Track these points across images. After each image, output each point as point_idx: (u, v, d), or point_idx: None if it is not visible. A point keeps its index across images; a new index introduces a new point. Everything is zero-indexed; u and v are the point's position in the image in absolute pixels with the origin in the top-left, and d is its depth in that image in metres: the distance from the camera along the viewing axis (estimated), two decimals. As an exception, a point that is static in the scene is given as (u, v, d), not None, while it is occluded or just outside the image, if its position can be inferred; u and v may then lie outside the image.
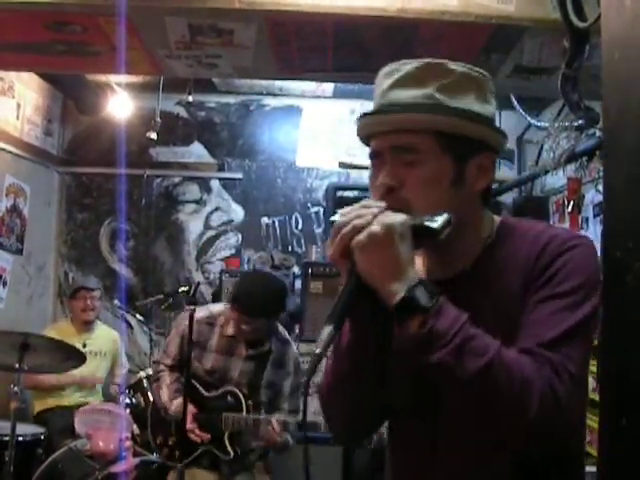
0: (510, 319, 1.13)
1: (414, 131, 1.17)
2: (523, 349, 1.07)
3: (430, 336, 1.05)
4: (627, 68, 0.98)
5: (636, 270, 0.93)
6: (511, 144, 5.31)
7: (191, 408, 2.86)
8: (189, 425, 2.85)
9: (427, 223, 1.13)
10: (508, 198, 5.31)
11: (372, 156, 1.24)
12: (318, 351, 1.05)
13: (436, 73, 1.19)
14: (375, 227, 1.08)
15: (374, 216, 1.10)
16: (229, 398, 2.94)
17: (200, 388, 2.98)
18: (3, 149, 4.61)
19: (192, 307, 2.81)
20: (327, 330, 1.06)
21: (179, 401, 2.87)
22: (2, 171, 4.65)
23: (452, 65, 1.20)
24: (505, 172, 5.27)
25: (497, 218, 1.28)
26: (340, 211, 1.15)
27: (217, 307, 3.15)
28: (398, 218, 1.10)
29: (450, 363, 1.04)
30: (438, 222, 1.13)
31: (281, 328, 3.11)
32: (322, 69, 3.25)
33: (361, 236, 1.08)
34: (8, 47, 3.13)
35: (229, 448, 2.89)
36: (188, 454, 2.88)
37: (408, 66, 1.21)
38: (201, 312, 3.03)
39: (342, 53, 3.05)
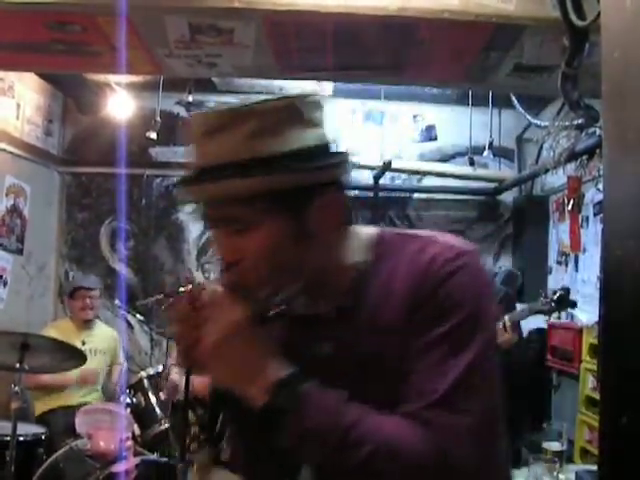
0: (395, 360, 0.99)
1: (237, 200, 0.98)
2: (410, 414, 0.95)
3: (304, 440, 0.95)
4: (627, 67, 0.97)
5: (636, 269, 0.92)
6: (511, 143, 5.32)
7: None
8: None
9: (272, 310, 1.04)
10: (508, 197, 5.32)
11: (206, 221, 1.08)
12: None
13: (249, 117, 0.97)
14: (214, 336, 0.95)
15: (203, 322, 0.96)
16: None
17: None
18: (3, 149, 4.61)
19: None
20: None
21: None
22: (2, 171, 4.64)
23: (268, 104, 1.00)
24: (505, 171, 5.27)
25: (372, 232, 1.13)
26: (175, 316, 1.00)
27: None
28: (238, 313, 0.97)
29: (332, 460, 0.94)
30: (283, 301, 1.04)
31: None
32: (322, 68, 3.24)
33: (200, 349, 0.96)
34: (7, 47, 3.13)
35: None
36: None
37: (218, 113, 1.00)
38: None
39: (342, 52, 3.04)
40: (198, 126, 1.00)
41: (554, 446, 2.44)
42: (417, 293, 0.99)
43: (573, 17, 2.08)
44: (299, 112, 1.01)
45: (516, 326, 3.24)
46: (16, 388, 3.21)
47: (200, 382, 2.72)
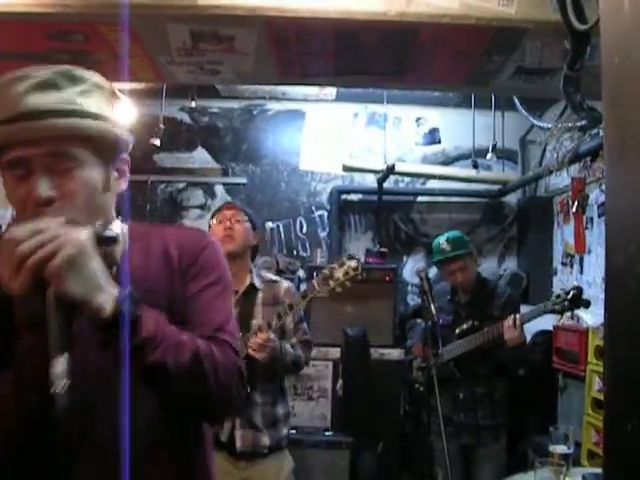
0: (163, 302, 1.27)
1: (69, 137, 1.18)
2: (204, 336, 1.25)
3: (144, 341, 1.13)
4: (626, 74, 0.98)
5: (638, 274, 0.93)
6: (514, 145, 5.32)
7: None
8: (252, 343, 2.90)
9: (108, 233, 1.18)
10: (512, 199, 5.32)
11: (10, 166, 1.18)
12: (65, 382, 1.01)
13: (72, 79, 1.24)
14: (69, 249, 1.06)
15: (57, 236, 1.06)
16: None
17: None
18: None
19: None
20: (62, 360, 1.03)
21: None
22: None
23: (84, 73, 1.29)
24: (509, 173, 5.27)
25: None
26: (10, 232, 1.06)
27: None
28: (84, 233, 1.10)
29: (164, 360, 1.14)
30: (114, 231, 1.22)
31: (265, 273, 3.12)
32: (324, 74, 3.25)
33: (57, 261, 1.04)
34: (10, 56, 3.14)
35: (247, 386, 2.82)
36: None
37: (42, 72, 1.23)
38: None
39: (343, 57, 3.05)
40: (22, 77, 1.22)
41: (560, 449, 2.43)
42: (182, 258, 1.33)
43: (574, 21, 2.08)
44: (111, 95, 1.33)
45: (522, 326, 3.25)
46: None
47: None
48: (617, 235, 1.01)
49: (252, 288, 2.94)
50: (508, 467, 3.46)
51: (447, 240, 3.50)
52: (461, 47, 2.86)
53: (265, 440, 2.86)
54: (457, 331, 3.42)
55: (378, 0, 2.64)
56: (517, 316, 3.20)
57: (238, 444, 2.83)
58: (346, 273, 2.77)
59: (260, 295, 2.95)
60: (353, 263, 2.78)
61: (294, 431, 3.74)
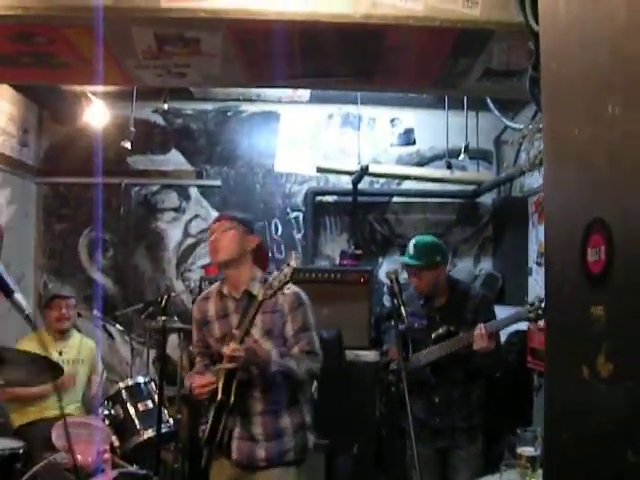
0: None
1: None
2: None
3: None
4: (562, 79, 0.97)
5: (574, 282, 0.93)
6: (489, 145, 5.34)
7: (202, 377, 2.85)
8: (196, 389, 2.81)
9: None
10: (487, 199, 5.34)
11: None
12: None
13: None
14: None
15: None
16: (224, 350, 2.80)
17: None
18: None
19: (164, 318, 2.80)
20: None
21: (194, 376, 2.90)
22: (-23, 183, 4.62)
23: None
24: (483, 173, 5.29)
25: None
26: None
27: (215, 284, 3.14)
28: None
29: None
30: None
31: (271, 279, 2.85)
32: (292, 76, 3.24)
33: None
34: (-24, 60, 3.11)
35: (232, 395, 2.74)
36: (213, 435, 2.81)
37: None
38: (203, 292, 3.11)
39: (310, 60, 3.04)
40: None
41: (528, 451, 2.43)
42: None
43: (532, 22, 2.09)
44: None
45: (495, 334, 3.24)
46: (-8, 403, 3.19)
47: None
48: (555, 246, 1.01)
49: (250, 295, 2.84)
50: (485, 470, 3.44)
51: (415, 245, 3.47)
52: (427, 49, 2.87)
53: (261, 453, 2.77)
54: (433, 336, 3.40)
55: (344, 2, 2.63)
56: (485, 325, 3.18)
57: (234, 455, 2.79)
58: (279, 280, 2.72)
59: (260, 304, 2.78)
60: (286, 270, 2.74)
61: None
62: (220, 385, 2.75)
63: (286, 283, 2.69)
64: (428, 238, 3.59)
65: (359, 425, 4.30)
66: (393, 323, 3.13)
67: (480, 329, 3.15)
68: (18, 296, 1.33)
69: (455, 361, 3.32)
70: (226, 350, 2.69)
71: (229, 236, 2.91)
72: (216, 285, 3.06)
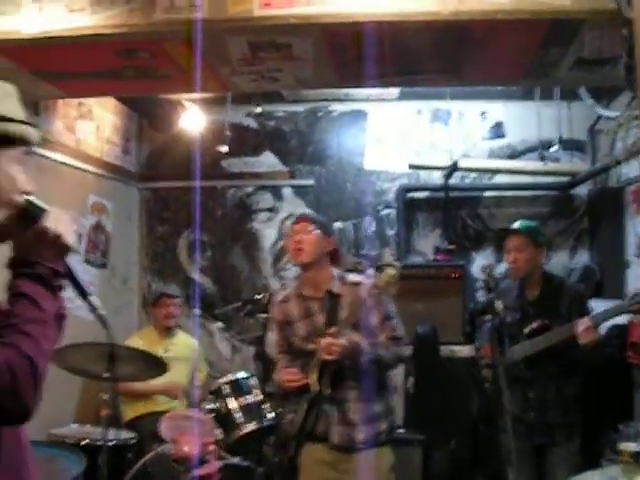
0: None
1: None
2: None
3: None
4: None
5: None
6: (582, 135, 5.19)
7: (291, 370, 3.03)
8: (286, 381, 3.00)
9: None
10: (582, 191, 5.20)
11: (18, 159, 1.37)
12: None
13: None
14: None
15: None
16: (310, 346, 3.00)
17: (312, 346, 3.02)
18: (86, 170, 4.85)
19: (264, 315, 2.91)
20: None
21: (283, 370, 3.07)
22: (86, 191, 4.90)
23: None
24: (577, 164, 5.16)
25: None
26: None
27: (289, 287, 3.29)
28: None
29: None
30: None
31: (349, 276, 3.10)
32: (381, 75, 3.29)
33: None
34: (85, 76, 3.33)
35: (328, 386, 2.93)
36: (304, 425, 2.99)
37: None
38: (279, 295, 3.23)
39: (400, 59, 3.09)
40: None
41: (631, 447, 2.39)
42: None
43: (625, 9, 2.06)
44: None
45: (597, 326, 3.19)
46: (105, 396, 3.39)
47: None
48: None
49: (331, 294, 2.99)
50: (583, 467, 3.37)
51: (520, 223, 3.54)
52: (517, 41, 2.86)
53: (360, 435, 2.95)
54: (526, 330, 3.36)
55: (431, 0, 2.67)
56: (590, 318, 3.12)
57: (335, 439, 2.97)
58: (386, 282, 2.84)
59: (342, 299, 2.98)
60: (391, 271, 2.84)
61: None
62: (315, 377, 2.92)
63: (393, 284, 2.82)
64: (532, 222, 3.65)
65: (455, 420, 4.30)
66: (488, 318, 3.15)
67: (585, 323, 3.09)
68: (93, 298, 1.48)
69: (551, 356, 3.28)
70: (322, 344, 2.85)
71: (312, 238, 3.05)
72: (291, 287, 3.22)
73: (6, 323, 1.22)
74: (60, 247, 1.36)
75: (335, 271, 3.10)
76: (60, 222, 1.36)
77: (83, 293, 1.46)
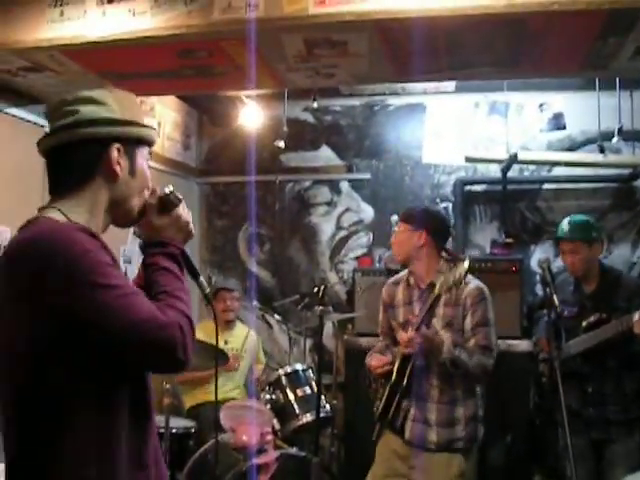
0: None
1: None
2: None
3: None
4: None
5: None
6: (646, 126, 5.06)
7: (380, 357, 3.10)
8: (373, 365, 3.07)
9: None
10: (645, 183, 5.08)
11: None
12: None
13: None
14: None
15: None
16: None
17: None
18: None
19: (321, 308, 2.97)
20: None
21: (373, 355, 3.15)
22: (148, 186, 5.04)
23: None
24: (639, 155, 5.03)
25: None
26: None
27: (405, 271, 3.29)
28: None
29: None
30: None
31: (457, 272, 2.93)
32: (437, 69, 3.30)
33: None
34: (146, 75, 3.44)
35: (405, 378, 2.95)
36: (386, 412, 3.05)
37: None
38: (394, 278, 3.28)
39: (455, 52, 3.08)
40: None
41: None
42: None
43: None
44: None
45: None
46: (167, 385, 3.51)
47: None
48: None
49: (434, 287, 2.94)
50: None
51: (569, 221, 3.48)
52: (573, 32, 2.82)
53: (433, 436, 2.93)
54: (584, 324, 3.33)
55: (485, -6, 2.66)
56: None
57: (407, 434, 2.99)
58: (454, 278, 2.82)
59: (442, 296, 2.94)
60: (461, 269, 2.82)
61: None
62: (395, 367, 2.97)
63: (461, 282, 2.81)
64: (582, 216, 3.59)
65: (512, 415, 4.27)
66: (545, 312, 3.12)
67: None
68: (201, 279, 1.70)
69: (609, 349, 3.23)
70: (402, 336, 2.88)
71: (400, 239, 3.12)
72: (406, 272, 3.23)
73: (159, 290, 1.46)
74: (187, 233, 1.62)
75: (445, 265, 3.03)
76: (187, 212, 1.62)
77: (195, 274, 1.67)
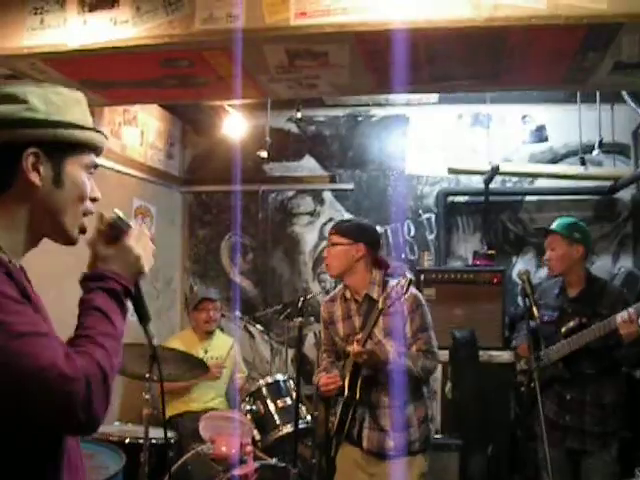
0: None
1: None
2: None
3: None
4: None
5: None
6: (626, 139, 5.12)
7: (327, 375, 3.11)
8: (322, 386, 3.06)
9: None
10: (626, 194, 5.13)
11: (87, 166, 1.40)
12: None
13: None
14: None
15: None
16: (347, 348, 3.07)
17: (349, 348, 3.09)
18: (131, 174, 4.99)
19: (300, 319, 2.97)
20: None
21: (320, 374, 3.17)
22: (130, 195, 5.02)
23: None
24: (620, 168, 5.08)
25: None
26: None
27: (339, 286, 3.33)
28: None
29: None
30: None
31: (391, 282, 3.04)
32: (418, 81, 3.30)
33: None
34: (129, 84, 3.43)
35: (357, 390, 2.99)
36: (341, 426, 3.09)
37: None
38: (329, 295, 3.34)
39: (436, 65, 3.09)
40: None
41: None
42: None
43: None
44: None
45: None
46: (147, 396, 3.48)
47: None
48: None
49: (370, 299, 3.07)
50: (620, 476, 3.31)
51: (558, 220, 3.59)
52: (553, 47, 2.84)
53: (390, 443, 2.99)
54: (563, 330, 3.34)
55: (465, 7, 2.67)
56: (633, 309, 3.07)
57: (364, 443, 3.04)
58: (397, 292, 2.86)
59: (379, 304, 2.98)
60: (403, 282, 2.87)
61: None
62: (346, 382, 3.01)
63: (404, 294, 2.85)
64: (572, 218, 3.66)
65: (493, 425, 4.28)
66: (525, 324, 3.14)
67: (628, 313, 3.05)
68: (150, 326, 1.48)
69: (590, 355, 3.23)
70: (354, 349, 2.91)
71: (335, 252, 3.14)
72: (340, 288, 3.28)
73: (80, 334, 1.22)
74: (137, 269, 1.37)
75: (378, 274, 3.13)
76: (141, 242, 1.39)
77: (144, 317, 1.46)
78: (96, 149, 1.41)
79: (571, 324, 3.31)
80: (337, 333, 3.20)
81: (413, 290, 3.07)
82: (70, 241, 1.39)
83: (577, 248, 3.43)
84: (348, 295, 3.18)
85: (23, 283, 1.26)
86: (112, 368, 1.20)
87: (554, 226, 3.54)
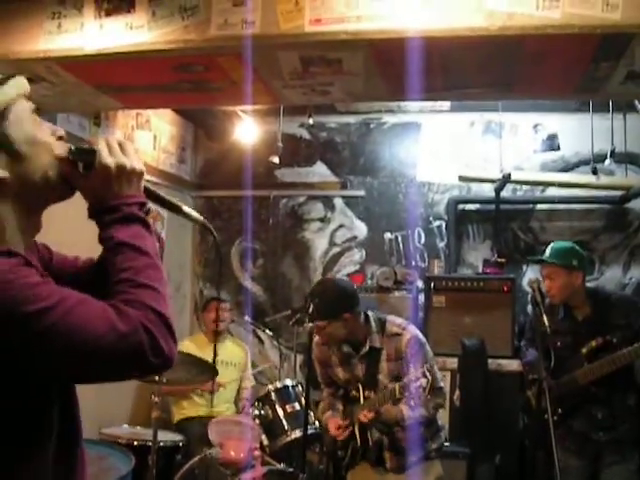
0: None
1: None
2: None
3: None
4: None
5: None
6: (638, 148, 5.10)
7: (336, 420, 3.17)
8: (333, 432, 3.14)
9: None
10: (637, 204, 5.11)
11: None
12: None
13: None
14: None
15: None
16: (353, 393, 3.15)
17: (355, 393, 3.17)
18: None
19: (310, 324, 2.97)
20: None
21: (327, 414, 3.24)
22: (142, 199, 5.04)
23: None
24: (632, 178, 5.07)
25: None
26: None
27: None
28: None
29: None
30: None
31: (389, 325, 3.11)
32: (432, 89, 3.31)
33: None
34: (143, 89, 3.45)
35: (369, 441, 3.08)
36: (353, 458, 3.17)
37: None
38: (317, 339, 3.22)
39: (450, 73, 3.10)
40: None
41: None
42: None
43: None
44: None
45: None
46: (156, 399, 3.50)
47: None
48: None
49: (373, 349, 3.09)
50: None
51: (552, 247, 3.45)
52: (567, 56, 2.84)
53: (412, 458, 3.05)
54: (584, 351, 3.26)
55: (479, 16, 2.68)
56: None
57: (387, 464, 3.09)
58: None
59: (383, 352, 3.07)
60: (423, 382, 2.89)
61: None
62: (357, 430, 3.11)
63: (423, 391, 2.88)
64: (567, 242, 3.58)
65: (502, 434, 4.27)
66: (524, 344, 3.18)
67: None
68: (186, 208, 1.38)
69: (617, 371, 3.18)
70: (361, 417, 2.99)
71: (329, 332, 3.08)
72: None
73: (120, 278, 1.16)
74: (130, 176, 1.24)
75: (373, 323, 3.13)
76: (115, 150, 1.23)
77: (174, 208, 1.36)
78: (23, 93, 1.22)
79: (593, 344, 3.24)
80: (335, 375, 3.25)
81: (412, 331, 3.10)
82: (61, 191, 1.26)
83: (576, 275, 3.34)
84: (346, 350, 3.17)
85: (42, 264, 1.22)
86: (163, 300, 1.17)
87: (549, 256, 3.41)
